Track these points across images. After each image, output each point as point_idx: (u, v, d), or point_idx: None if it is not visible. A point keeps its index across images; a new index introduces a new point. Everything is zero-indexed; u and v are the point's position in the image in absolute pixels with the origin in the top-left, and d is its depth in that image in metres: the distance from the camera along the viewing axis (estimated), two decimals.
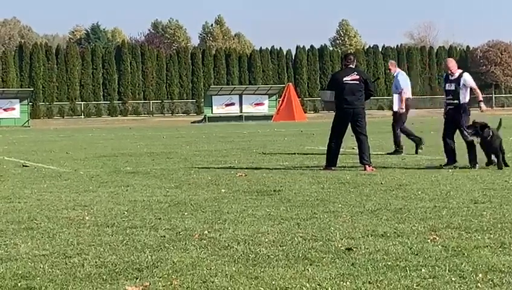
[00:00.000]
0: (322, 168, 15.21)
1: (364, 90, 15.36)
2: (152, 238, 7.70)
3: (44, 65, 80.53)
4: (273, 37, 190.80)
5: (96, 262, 6.62)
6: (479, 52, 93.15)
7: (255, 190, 11.70)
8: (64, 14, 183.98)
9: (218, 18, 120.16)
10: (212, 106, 71.58)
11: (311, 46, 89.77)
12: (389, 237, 7.52)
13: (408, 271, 6.05)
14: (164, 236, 7.82)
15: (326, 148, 15.68)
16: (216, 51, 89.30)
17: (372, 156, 15.89)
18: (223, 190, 11.79)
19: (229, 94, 72.63)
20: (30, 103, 71.30)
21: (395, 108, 19.94)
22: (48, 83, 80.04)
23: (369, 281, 5.76)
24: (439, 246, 7.00)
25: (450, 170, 14.43)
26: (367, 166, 14.87)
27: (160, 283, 5.85)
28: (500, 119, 15.70)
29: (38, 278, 6.08)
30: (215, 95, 72.01)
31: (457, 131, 15.30)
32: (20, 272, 6.32)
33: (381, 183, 12.43)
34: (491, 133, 14.64)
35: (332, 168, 15.08)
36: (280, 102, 68.82)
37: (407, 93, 20.07)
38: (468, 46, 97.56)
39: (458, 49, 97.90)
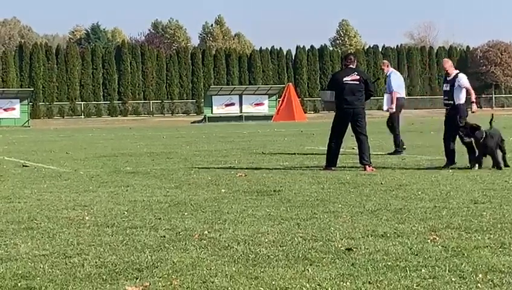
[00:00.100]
0: (322, 168, 15.21)
1: (365, 91, 15.37)
2: (152, 239, 7.71)
3: (44, 65, 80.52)
4: (273, 37, 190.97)
5: (96, 262, 6.62)
6: (479, 52, 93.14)
7: (255, 190, 11.70)
8: (64, 14, 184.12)
9: (218, 18, 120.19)
10: (212, 106, 71.55)
11: (311, 46, 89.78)
12: (389, 237, 7.52)
13: (408, 271, 6.05)
14: (164, 236, 7.82)
15: (326, 149, 15.68)
16: (216, 51, 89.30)
17: (372, 156, 15.89)
18: (223, 190, 11.79)
19: (229, 94, 72.61)
20: (30, 103, 71.27)
21: (384, 108, 20.14)
22: (48, 83, 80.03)
23: (369, 282, 5.76)
24: (439, 247, 7.00)
25: (450, 170, 14.43)
26: (367, 166, 14.87)
27: (160, 283, 5.85)
28: (492, 114, 15.59)
29: (38, 278, 6.08)
30: (215, 95, 71.99)
31: None
32: (20, 272, 6.32)
33: (381, 183, 12.43)
34: (483, 135, 14.58)
35: (332, 168, 15.09)
36: (280, 102, 68.80)
37: (401, 93, 20.17)
38: (468, 46, 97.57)
39: (458, 49, 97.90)
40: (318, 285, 5.71)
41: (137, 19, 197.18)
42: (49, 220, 8.98)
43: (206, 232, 8.00)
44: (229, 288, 5.70)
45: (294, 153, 20.37)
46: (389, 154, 19.25)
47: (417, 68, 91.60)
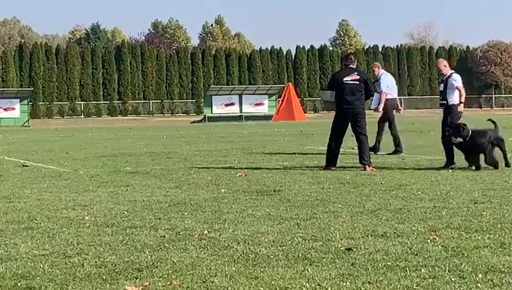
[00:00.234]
0: (321, 168, 15.21)
1: (365, 91, 15.38)
2: (152, 238, 7.71)
3: (44, 65, 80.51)
4: (273, 37, 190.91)
5: (96, 262, 6.62)
6: (479, 52, 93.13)
7: (255, 190, 11.70)
8: (64, 14, 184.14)
9: (218, 18, 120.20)
10: (212, 106, 71.53)
11: (311, 46, 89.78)
12: (388, 237, 7.52)
13: (408, 271, 6.05)
14: (164, 236, 7.82)
15: (326, 148, 15.68)
16: (216, 51, 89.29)
17: (372, 156, 15.89)
18: (222, 190, 11.79)
19: (229, 94, 72.58)
20: (30, 103, 71.25)
21: (372, 107, 20.32)
22: (47, 83, 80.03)
23: (369, 282, 5.76)
24: (439, 247, 7.00)
25: (450, 170, 14.43)
26: (367, 166, 14.87)
27: (160, 283, 5.85)
28: (493, 122, 15.36)
29: (38, 278, 6.08)
30: (215, 95, 71.97)
31: None
32: (20, 271, 6.32)
33: (381, 183, 12.43)
34: (469, 133, 14.52)
35: (332, 168, 15.08)
36: (280, 102, 68.80)
37: (393, 94, 20.35)
38: (468, 46, 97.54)
39: (458, 49, 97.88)
40: (318, 285, 5.71)
41: (137, 19, 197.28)
42: (49, 220, 8.98)
43: (206, 232, 8.00)
44: (229, 288, 5.70)
45: (294, 153, 20.37)
46: (388, 154, 19.27)
47: (417, 68, 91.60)
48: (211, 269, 6.28)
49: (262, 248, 7.12)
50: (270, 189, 11.82)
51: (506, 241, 7.20)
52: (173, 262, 6.56)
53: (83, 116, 79.28)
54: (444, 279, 5.81)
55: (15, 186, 12.97)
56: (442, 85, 15.72)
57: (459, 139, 14.54)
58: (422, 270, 6.09)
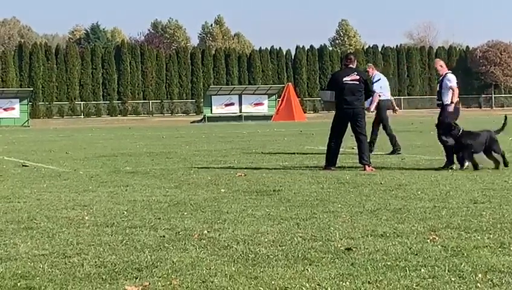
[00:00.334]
0: (321, 168, 15.21)
1: (364, 91, 15.38)
2: (151, 238, 7.70)
3: (44, 65, 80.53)
4: (272, 37, 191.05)
5: (95, 262, 6.62)
6: (479, 52, 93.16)
7: (255, 190, 11.70)
8: (64, 14, 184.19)
9: (218, 18, 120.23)
10: (211, 106, 71.55)
11: (311, 46, 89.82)
12: (388, 237, 7.52)
13: (407, 271, 6.04)
14: (164, 236, 7.82)
15: (325, 148, 15.68)
16: (216, 51, 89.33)
17: (372, 156, 15.90)
18: (222, 190, 11.79)
19: (229, 94, 72.61)
20: (30, 103, 71.27)
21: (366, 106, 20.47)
22: (47, 83, 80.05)
23: (368, 281, 5.76)
24: (439, 246, 7.00)
25: (449, 170, 14.44)
26: (366, 166, 14.87)
27: (159, 283, 5.85)
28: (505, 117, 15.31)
29: (37, 278, 6.08)
30: (215, 95, 71.98)
31: None
32: (19, 271, 6.31)
33: (381, 183, 12.43)
34: (459, 132, 14.51)
35: (332, 168, 15.08)
36: (279, 102, 68.81)
37: (386, 94, 20.42)
38: (467, 46, 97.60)
39: (458, 49, 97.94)
40: (318, 285, 5.71)
41: (136, 19, 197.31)
42: (48, 220, 8.98)
43: (205, 232, 8.00)
44: (229, 288, 5.70)
45: (294, 153, 20.37)
46: (388, 154, 19.26)
47: (417, 68, 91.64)
48: (210, 269, 6.28)
49: (262, 247, 7.12)
50: (269, 189, 11.82)
51: (506, 241, 7.20)
52: (173, 262, 6.56)
53: (82, 116, 79.30)
54: (443, 279, 5.80)
55: (15, 186, 12.97)
56: (438, 85, 15.86)
57: (450, 138, 14.57)
58: (422, 270, 6.09)
